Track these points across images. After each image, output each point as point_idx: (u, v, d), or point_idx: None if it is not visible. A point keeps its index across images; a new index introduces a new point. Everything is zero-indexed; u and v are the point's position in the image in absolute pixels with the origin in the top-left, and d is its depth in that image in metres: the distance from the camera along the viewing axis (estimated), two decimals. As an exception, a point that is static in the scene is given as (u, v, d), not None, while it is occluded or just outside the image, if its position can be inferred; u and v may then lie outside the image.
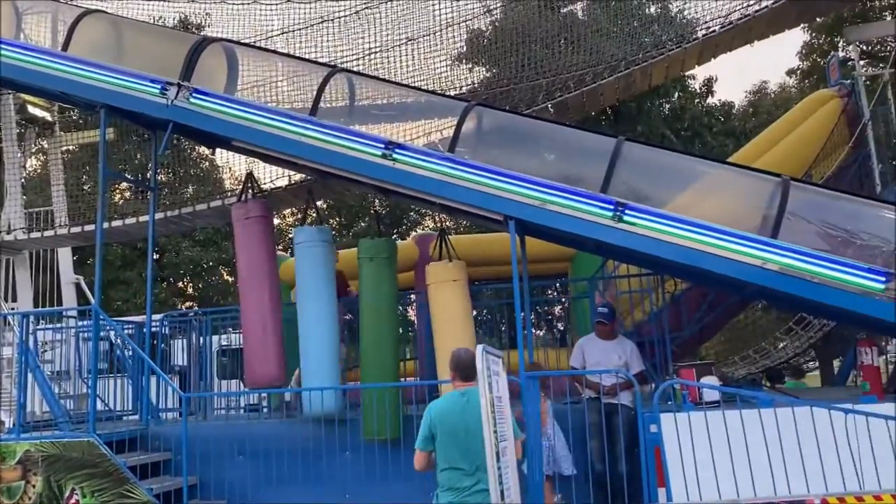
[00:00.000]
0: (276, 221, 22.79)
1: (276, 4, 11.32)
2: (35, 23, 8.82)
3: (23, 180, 13.84)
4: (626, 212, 6.23)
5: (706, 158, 8.03)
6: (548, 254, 9.79)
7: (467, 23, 10.89)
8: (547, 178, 6.57)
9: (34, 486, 6.92)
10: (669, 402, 6.27)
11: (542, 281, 12.01)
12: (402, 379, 9.51)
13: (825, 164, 10.24)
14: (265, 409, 9.72)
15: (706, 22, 9.32)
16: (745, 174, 6.94)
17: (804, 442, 5.15)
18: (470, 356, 4.54)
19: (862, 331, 6.71)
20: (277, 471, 7.17)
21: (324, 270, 7.78)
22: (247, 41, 10.17)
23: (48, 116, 13.74)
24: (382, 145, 6.98)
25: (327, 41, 10.84)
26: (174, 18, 15.12)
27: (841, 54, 15.28)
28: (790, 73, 22.08)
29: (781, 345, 12.77)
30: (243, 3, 11.56)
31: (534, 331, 17.14)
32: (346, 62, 10.29)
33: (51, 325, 10.06)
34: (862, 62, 12.88)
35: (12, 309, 12.16)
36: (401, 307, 12.27)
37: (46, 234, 12.42)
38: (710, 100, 20.65)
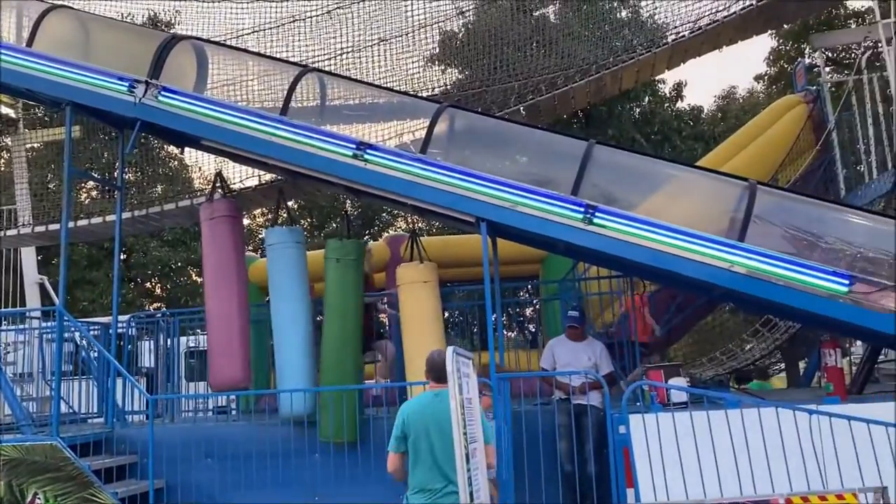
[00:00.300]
0: (246, 222, 22.67)
1: (247, 3, 11.22)
2: (-2, 18, 8.64)
3: (-15, 178, 13.57)
4: (597, 214, 6.27)
5: (675, 162, 8.10)
6: (519, 256, 9.82)
7: (440, 24, 10.88)
8: (518, 180, 6.59)
9: (-5, 491, 6.78)
10: (638, 404, 6.33)
11: (514, 283, 12.06)
12: (375, 381, 9.51)
13: (791, 168, 10.41)
14: (234, 412, 9.63)
15: (676, 27, 9.42)
16: (713, 178, 7.02)
17: (769, 442, 5.23)
18: (443, 358, 4.54)
19: (826, 333, 6.82)
20: (246, 473, 7.09)
21: (296, 271, 7.73)
22: (217, 39, 10.07)
23: (12, 113, 13.47)
24: (354, 146, 6.96)
25: (299, 41, 10.77)
26: (143, 15, 14.92)
27: (807, 61, 15.54)
28: (758, 78, 22.42)
29: (748, 347, 12.93)
30: (213, 1, 11.44)
31: (505, 332, 17.19)
32: (318, 62, 10.23)
33: (14, 327, 9.86)
34: (827, 69, 13.11)
35: (-26, 309, 11.90)
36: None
37: (9, 233, 12.15)
38: (679, 104, 20.90)
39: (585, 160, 6.56)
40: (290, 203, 10.68)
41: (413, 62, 10.60)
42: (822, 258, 5.98)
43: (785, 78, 18.76)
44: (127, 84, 7.54)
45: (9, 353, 9.67)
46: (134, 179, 14.74)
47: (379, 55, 10.49)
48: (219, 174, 8.84)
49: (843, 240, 6.19)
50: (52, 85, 7.73)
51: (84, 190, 19.78)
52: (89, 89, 7.64)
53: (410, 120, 8.11)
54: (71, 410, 8.53)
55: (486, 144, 7.49)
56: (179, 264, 22.26)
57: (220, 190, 8.60)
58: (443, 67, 11.93)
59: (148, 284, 23.98)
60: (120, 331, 9.10)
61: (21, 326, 9.77)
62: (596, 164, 6.64)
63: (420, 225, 20.42)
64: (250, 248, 22.40)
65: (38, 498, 6.72)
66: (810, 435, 5.20)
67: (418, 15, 10.59)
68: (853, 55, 14.65)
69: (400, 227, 23.14)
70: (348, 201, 20.64)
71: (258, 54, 9.13)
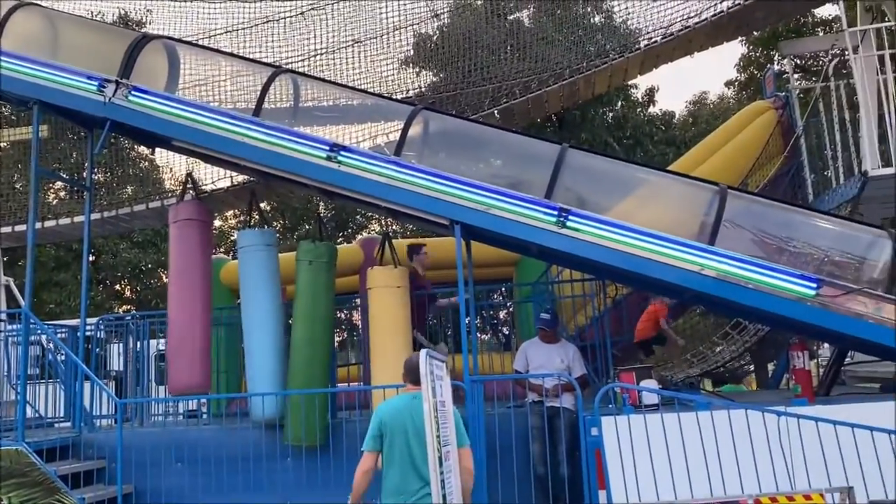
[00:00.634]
0: (218, 223, 22.45)
1: (220, 3, 11.13)
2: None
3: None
4: (570, 217, 6.31)
5: (647, 166, 8.19)
6: (493, 258, 9.84)
7: (414, 27, 10.89)
8: (492, 183, 6.61)
9: (-42, 497, 6.63)
10: (610, 406, 6.37)
11: (488, 285, 12.08)
12: (348, 384, 9.47)
13: (761, 173, 10.56)
14: (204, 415, 9.52)
15: (648, 33, 9.52)
16: (684, 182, 7.10)
17: (739, 444, 5.29)
18: None
19: (794, 335, 6.92)
20: (216, 477, 7.01)
21: (267, 274, 7.67)
22: (189, 39, 9.97)
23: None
24: (327, 147, 6.93)
25: (272, 41, 10.71)
26: (113, 14, 14.74)
27: (776, 67, 15.79)
28: (728, 84, 22.72)
29: (718, 349, 13.10)
30: (186, 0, 11.33)
31: (479, 335, 17.20)
32: (292, 63, 10.18)
33: (-22, 329, 9.65)
34: (796, 75, 13.34)
35: (-63, 312, 11.63)
36: (345, 311, 12.14)
37: (-26, 233, 11.92)
38: (651, 109, 21.13)
39: (559, 164, 6.59)
40: (262, 205, 10.61)
41: (387, 64, 10.60)
42: (790, 262, 6.08)
43: (754, 84, 19.03)
44: (96, 83, 7.44)
45: (-27, 356, 9.46)
46: (103, 180, 14.52)
47: (353, 57, 10.47)
48: (189, 175, 8.75)
49: (811, 244, 6.30)
50: (19, 83, 7.60)
51: (52, 190, 19.46)
52: (57, 88, 7.53)
53: (384, 122, 8.11)
54: (37, 415, 8.38)
55: (461, 147, 7.51)
56: (150, 266, 22.00)
57: (190, 191, 8.51)
58: (417, 70, 11.93)
59: (117, 286, 23.66)
60: (88, 334, 8.96)
61: (-14, 329, 9.56)
62: (569, 168, 6.68)
63: (394, 227, 20.41)
64: (222, 250, 22.21)
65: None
66: (779, 436, 5.28)
67: (393, 17, 10.59)
68: (821, 62, 14.91)
69: (374, 230, 23.09)
70: (321, 203, 20.56)
71: (231, 55, 9.06)
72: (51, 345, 8.87)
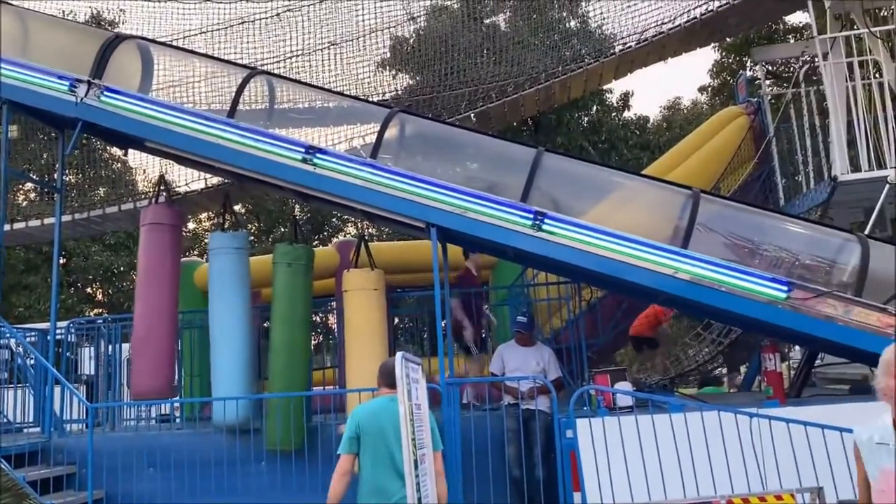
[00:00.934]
0: (192, 226, 22.26)
1: (195, 4, 11.04)
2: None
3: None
4: (545, 221, 6.33)
5: (622, 171, 8.26)
6: (469, 261, 9.84)
7: (391, 29, 10.88)
8: (469, 186, 6.62)
9: (-78, 505, 6.49)
10: (585, 408, 6.40)
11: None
12: (323, 388, 9.42)
13: (733, 177, 10.68)
14: (177, 419, 9.42)
15: (623, 38, 9.61)
16: (658, 186, 7.17)
17: (712, 445, 5.34)
18: None
19: (766, 338, 7.01)
20: (189, 482, 6.93)
21: (237, 277, 7.61)
22: (164, 40, 9.88)
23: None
24: (303, 149, 6.89)
25: (247, 43, 10.64)
26: (86, 14, 14.57)
27: (749, 73, 16.00)
28: (702, 89, 22.99)
29: (691, 351, 13.22)
30: (160, 0, 11.22)
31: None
32: (267, 65, 10.12)
33: (-55, 333, 9.47)
34: (767, 81, 13.51)
35: None
36: (321, 314, 12.05)
37: (-59, 235, 11.69)
38: (626, 114, 21.28)
39: (535, 167, 6.62)
40: (237, 207, 10.53)
41: (363, 67, 10.58)
42: (761, 265, 6.16)
43: (727, 90, 19.28)
44: (68, 83, 7.34)
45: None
46: (75, 181, 14.33)
47: (329, 59, 10.43)
48: (162, 178, 8.66)
49: (782, 247, 6.38)
50: (-12, 83, 7.48)
51: (22, 192, 19.15)
52: (28, 88, 7.42)
53: (361, 124, 8.10)
54: (6, 420, 8.24)
55: (437, 150, 7.51)
56: (122, 269, 21.71)
57: (163, 194, 8.42)
58: (393, 72, 11.92)
59: (89, 290, 23.32)
60: (58, 337, 8.83)
61: (-47, 333, 9.38)
62: (545, 172, 6.71)
63: (371, 230, 20.34)
64: (196, 252, 22.00)
65: (-31, 511, 6.47)
66: (751, 437, 5.33)
67: (369, 19, 10.57)
68: (792, 69, 15.13)
69: (350, 233, 23.00)
70: (297, 206, 20.46)
71: (206, 56, 8.99)
72: (20, 349, 8.72)
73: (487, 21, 12.00)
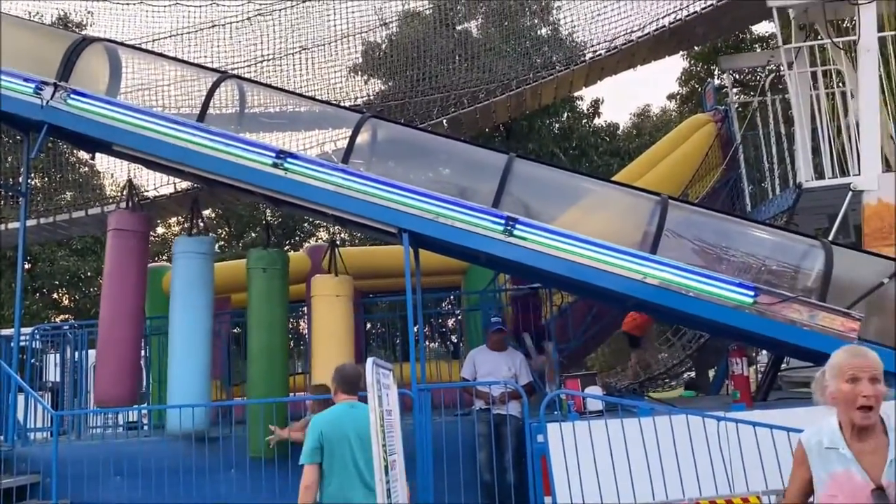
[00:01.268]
0: (161, 231, 21.98)
1: (165, 6, 10.93)
2: None
3: None
4: (517, 226, 6.36)
5: (592, 177, 8.32)
6: (441, 266, 9.87)
7: (363, 35, 10.88)
8: (441, 191, 6.63)
9: None
10: (556, 412, 6.43)
11: (436, 293, 12.10)
12: (294, 394, 9.35)
13: (701, 184, 10.84)
14: (145, 427, 9.29)
15: (593, 46, 9.71)
16: (627, 193, 7.23)
17: (680, 448, 5.39)
18: (355, 370, 4.54)
19: (733, 342, 7.10)
20: (157, 491, 6.84)
21: (200, 281, 7.54)
22: (133, 43, 9.76)
23: None
24: (273, 154, 6.84)
25: (218, 47, 10.57)
26: (52, 15, 14.35)
27: (716, 82, 16.25)
28: (671, 97, 23.30)
29: (661, 355, 13.35)
30: (129, 2, 11.10)
31: (427, 343, 17.19)
32: (238, 69, 10.06)
33: None
34: (735, 90, 13.74)
35: None
36: (293, 320, 11.96)
37: None
38: (596, 120, 21.49)
39: (506, 173, 6.65)
40: (207, 211, 10.43)
41: (335, 72, 10.56)
42: (729, 270, 6.23)
43: (696, 97, 19.54)
44: (34, 85, 7.22)
45: None
46: (40, 185, 14.09)
47: (301, 64, 10.40)
48: (129, 182, 8.55)
49: (749, 253, 6.47)
50: (-49, 84, 7.33)
51: (-15, 196, 18.77)
52: (-8, 90, 7.28)
53: (332, 129, 8.06)
54: (-33, 428, 8.06)
55: (409, 156, 7.51)
56: (89, 274, 21.36)
57: (132, 198, 8.32)
58: (366, 78, 11.92)
59: (55, 295, 22.91)
60: (23, 344, 8.66)
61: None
62: (516, 178, 6.74)
63: (343, 235, 20.27)
64: (165, 258, 21.72)
65: (-71, 522, 6.32)
66: (718, 441, 5.40)
67: (341, 25, 10.56)
68: (758, 77, 15.40)
69: (322, 237, 22.90)
70: (268, 210, 20.32)
71: (175, 59, 8.91)
72: (-18, 356, 8.53)
73: (459, 27, 12.05)
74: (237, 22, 10.59)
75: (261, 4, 10.61)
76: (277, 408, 7.06)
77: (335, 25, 10.57)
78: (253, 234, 22.85)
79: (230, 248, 21.86)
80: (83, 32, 10.76)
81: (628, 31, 9.33)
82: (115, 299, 7.72)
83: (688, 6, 9.06)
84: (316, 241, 22.40)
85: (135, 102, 7.51)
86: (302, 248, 15.07)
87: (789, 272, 6.33)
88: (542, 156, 17.56)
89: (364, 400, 4.17)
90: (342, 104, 9.64)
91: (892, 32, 7.98)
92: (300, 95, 8.61)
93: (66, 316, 22.26)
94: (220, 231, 23.57)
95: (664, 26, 9.18)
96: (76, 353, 9.41)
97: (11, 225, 10.38)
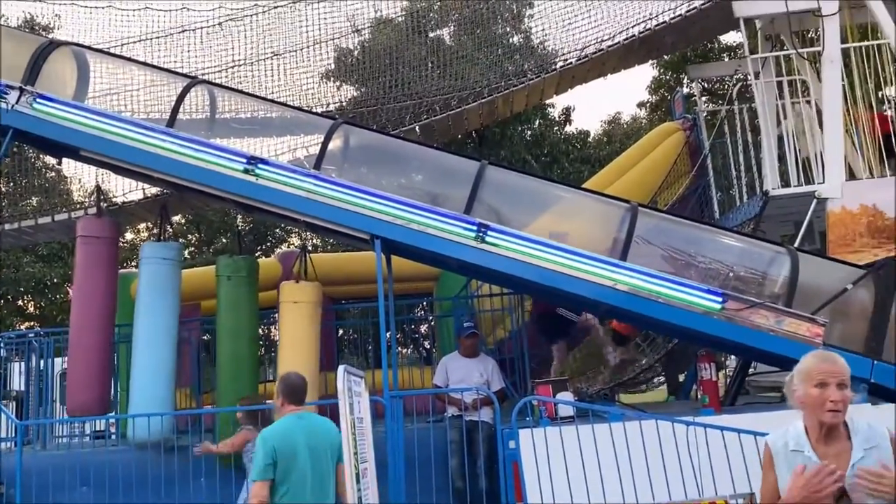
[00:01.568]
0: (130, 237, 21.67)
1: (134, 10, 10.82)
2: None
3: None
4: (489, 233, 6.39)
5: (563, 184, 8.39)
6: (414, 273, 9.87)
7: (335, 41, 10.86)
8: (413, 198, 6.63)
9: None
10: (528, 419, 6.46)
11: (409, 300, 12.10)
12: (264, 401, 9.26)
13: (670, 191, 10.96)
14: (113, 436, 9.14)
15: (564, 54, 9.79)
16: (598, 200, 7.30)
17: (650, 453, 5.44)
18: (302, 380, 4.42)
19: (702, 347, 7.19)
20: (125, 501, 6.74)
21: (166, 287, 7.47)
22: (101, 47, 9.64)
23: None
24: (244, 160, 6.80)
25: (188, 52, 10.47)
26: (19, 18, 14.13)
27: (685, 90, 16.47)
28: (641, 105, 23.58)
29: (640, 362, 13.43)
30: (97, 6, 10.96)
31: (400, 349, 17.16)
32: (209, 74, 9.97)
33: None
34: (703, 98, 13.94)
35: None
36: (263, 327, 11.89)
37: None
38: (568, 128, 21.65)
39: (478, 180, 6.68)
40: (177, 217, 10.32)
41: (308, 78, 10.53)
42: (697, 277, 6.32)
43: (665, 105, 19.80)
44: (-2, 89, 7.10)
45: None
46: (5, 190, 13.84)
47: (272, 69, 10.35)
48: (98, 188, 8.45)
49: (717, 259, 6.57)
50: (-87, 88, 7.18)
51: (-52, 201, 18.39)
52: (-45, 94, 7.14)
53: (304, 135, 8.04)
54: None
55: (381, 162, 7.51)
56: (56, 280, 21.01)
57: (100, 204, 8.22)
58: (338, 84, 11.89)
59: (20, 302, 22.50)
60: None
61: None
62: (488, 184, 6.78)
63: (315, 241, 20.17)
64: (134, 264, 21.42)
65: None
66: (687, 445, 5.46)
67: (313, 31, 10.53)
68: (726, 86, 15.65)
69: (293, 243, 22.75)
70: (239, 216, 20.16)
71: (145, 64, 8.81)
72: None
73: (432, 35, 12.08)
74: (208, 27, 10.51)
75: (232, 10, 10.55)
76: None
77: (307, 31, 10.53)
78: (224, 240, 22.66)
79: (200, 255, 21.64)
80: (50, 36, 10.60)
81: (599, 39, 9.43)
82: (85, 307, 7.62)
83: (657, 16, 9.18)
84: (287, 246, 22.25)
85: (103, 107, 7.43)
86: (273, 255, 14.97)
87: (756, 278, 6.43)
88: (514, 163, 17.66)
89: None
90: (314, 110, 9.60)
91: (856, 44, 8.16)
92: (272, 101, 8.57)
93: (32, 323, 21.87)
94: (189, 237, 23.32)
95: (634, 35, 9.28)
96: (42, 362, 9.24)
97: (-25, 231, 10.17)
